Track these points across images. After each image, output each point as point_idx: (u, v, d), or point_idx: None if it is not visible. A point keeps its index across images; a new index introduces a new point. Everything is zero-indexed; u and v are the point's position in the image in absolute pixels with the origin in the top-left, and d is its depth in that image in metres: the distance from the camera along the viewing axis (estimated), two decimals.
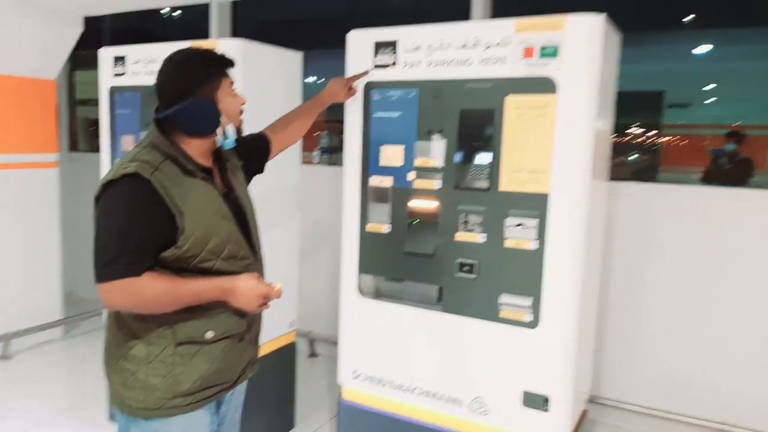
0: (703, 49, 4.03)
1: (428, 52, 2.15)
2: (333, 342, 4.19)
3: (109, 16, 4.86)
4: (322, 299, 4.16)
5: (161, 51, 2.85)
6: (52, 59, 4.30)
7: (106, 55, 3.06)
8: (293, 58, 3.00)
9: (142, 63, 2.93)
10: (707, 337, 3.17)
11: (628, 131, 4.40)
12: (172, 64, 1.60)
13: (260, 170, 2.05)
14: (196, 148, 1.61)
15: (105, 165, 3.15)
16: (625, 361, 3.37)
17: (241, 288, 1.55)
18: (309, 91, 2.72)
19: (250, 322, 1.69)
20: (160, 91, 1.60)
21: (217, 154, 1.70)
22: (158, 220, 1.48)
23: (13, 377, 3.92)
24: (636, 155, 4.32)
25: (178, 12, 5.26)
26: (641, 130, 4.35)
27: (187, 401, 1.58)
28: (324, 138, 4.63)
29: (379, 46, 2.26)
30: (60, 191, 4.52)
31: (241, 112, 1.70)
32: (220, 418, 1.76)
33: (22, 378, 3.92)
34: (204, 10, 4.48)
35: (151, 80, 2.90)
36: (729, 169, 3.94)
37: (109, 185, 1.50)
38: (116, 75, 3.04)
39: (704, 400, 3.18)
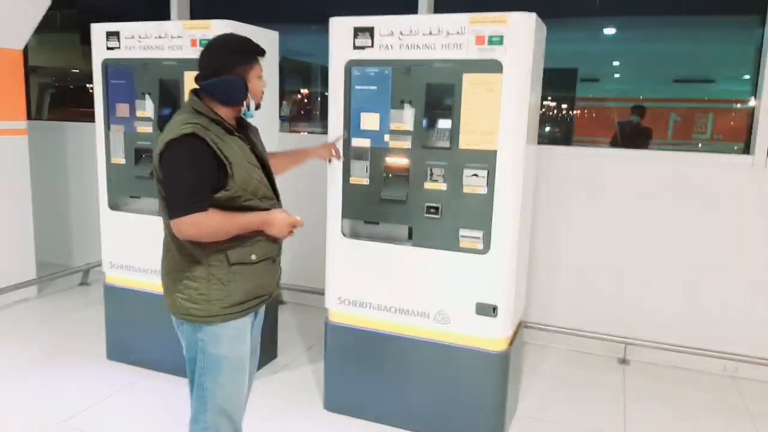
0: (610, 31, 4.71)
1: (400, 36, 2.68)
2: (297, 290, 4.73)
3: None
4: (287, 254, 4.64)
5: (153, 29, 3.26)
6: (20, 30, 4.46)
7: (99, 30, 3.37)
8: (272, 37, 3.44)
9: (136, 39, 3.28)
10: (610, 268, 3.96)
11: (544, 104, 5.00)
12: (218, 44, 2.02)
13: None
14: (226, 114, 2.05)
15: (100, 132, 3.48)
16: (547, 290, 4.12)
17: (277, 219, 2.04)
18: None
19: (279, 248, 2.19)
20: (203, 65, 2.01)
21: (240, 119, 2.16)
22: (213, 169, 1.91)
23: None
24: (548, 128, 4.94)
25: None
26: (554, 104, 4.96)
27: (239, 309, 2.05)
28: (284, 107, 5.05)
29: (358, 31, 2.76)
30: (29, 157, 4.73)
31: (263, 93, 2.13)
32: (254, 328, 2.26)
33: (7, 329, 4.21)
34: None
35: (144, 54, 3.29)
36: (632, 138, 4.69)
37: (172, 143, 1.89)
38: (109, 48, 3.37)
39: (611, 319, 3.98)
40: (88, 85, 6.37)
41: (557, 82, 4.64)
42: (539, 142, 3.50)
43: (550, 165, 3.98)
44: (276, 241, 2.14)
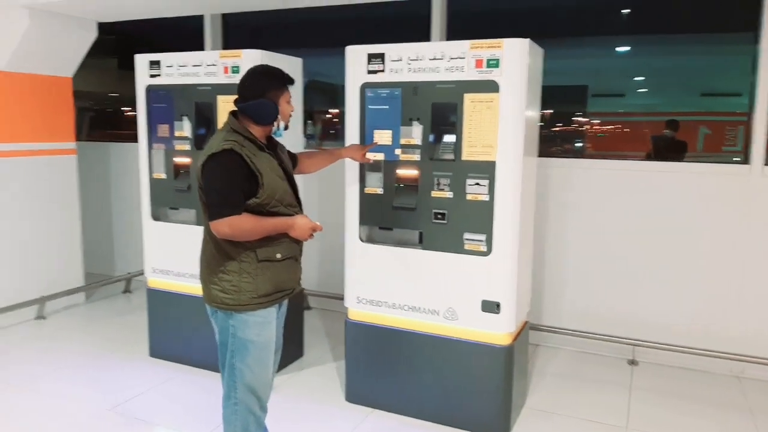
0: (630, 48, 4.84)
1: (408, 61, 2.99)
2: (322, 296, 5.04)
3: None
4: (312, 262, 4.99)
5: (191, 58, 3.63)
6: (69, 59, 4.93)
7: (142, 59, 3.77)
8: (296, 64, 3.78)
9: (176, 66, 3.66)
10: (620, 273, 4.16)
11: (573, 119, 5.11)
12: (255, 73, 2.37)
13: None
14: (258, 132, 2.39)
15: (143, 150, 3.86)
16: (558, 295, 4.34)
17: (299, 223, 2.34)
18: None
19: (301, 249, 2.50)
20: (241, 90, 2.36)
21: (270, 137, 2.49)
22: (246, 179, 2.24)
23: (51, 331, 4.62)
24: (581, 143, 5.06)
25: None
26: (584, 119, 5.04)
27: (265, 300, 2.36)
28: (309, 127, 5.41)
29: (371, 57, 3.08)
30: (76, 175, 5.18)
31: (290, 116, 2.46)
32: (278, 320, 2.56)
33: (62, 331, 4.63)
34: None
35: (182, 80, 3.66)
36: (666, 151, 4.67)
37: (212, 156, 2.24)
38: (152, 76, 3.76)
39: (616, 323, 4.18)
40: (123, 108, 6.85)
41: (567, 98, 4.88)
42: (551, 155, 3.76)
43: (557, 176, 4.23)
44: (298, 243, 2.45)
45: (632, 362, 4.12)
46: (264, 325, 2.38)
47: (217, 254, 2.36)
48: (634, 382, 3.83)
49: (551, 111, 4.90)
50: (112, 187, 5.99)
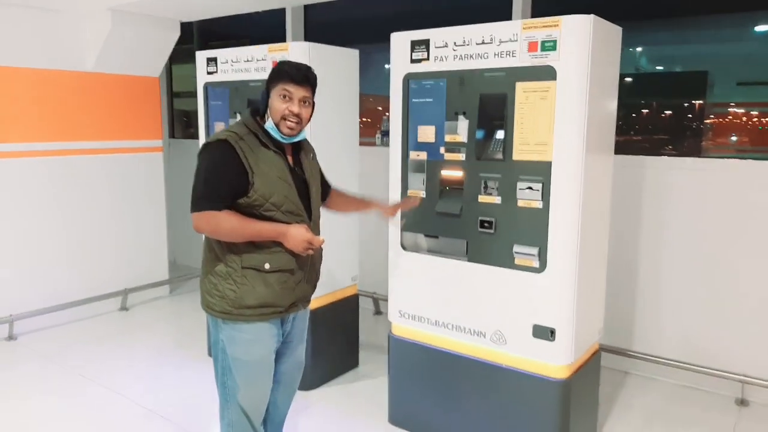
0: (763, 28, 4.00)
1: (454, 47, 2.63)
2: None
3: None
4: (385, 265, 4.72)
5: (244, 53, 3.49)
6: (155, 60, 5.07)
7: (201, 57, 3.72)
8: (351, 56, 3.53)
9: (230, 63, 3.56)
10: (731, 298, 3.48)
11: (730, 111, 4.28)
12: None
13: None
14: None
15: None
16: (654, 318, 3.72)
17: (292, 232, 2.06)
18: None
19: (301, 263, 2.19)
20: None
21: (297, 142, 2.24)
22: (236, 174, 2.02)
23: (131, 324, 4.78)
24: (734, 137, 4.29)
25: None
26: (742, 110, 4.22)
27: (249, 313, 2.11)
28: (385, 122, 5.15)
29: (415, 44, 2.75)
30: (164, 171, 5.34)
31: (284, 118, 2.10)
32: (284, 335, 2.31)
33: (139, 324, 4.78)
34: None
35: (237, 77, 3.52)
36: None
37: (207, 146, 2.08)
38: (209, 73, 3.70)
39: (726, 354, 3.49)
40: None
41: (683, 86, 4.14)
42: (659, 153, 3.19)
43: (654, 179, 3.61)
44: (296, 256, 2.15)
45: (741, 402, 3.42)
46: (253, 344, 2.15)
47: (209, 254, 2.19)
48: (738, 426, 3.16)
49: (701, 102, 4.20)
50: None
